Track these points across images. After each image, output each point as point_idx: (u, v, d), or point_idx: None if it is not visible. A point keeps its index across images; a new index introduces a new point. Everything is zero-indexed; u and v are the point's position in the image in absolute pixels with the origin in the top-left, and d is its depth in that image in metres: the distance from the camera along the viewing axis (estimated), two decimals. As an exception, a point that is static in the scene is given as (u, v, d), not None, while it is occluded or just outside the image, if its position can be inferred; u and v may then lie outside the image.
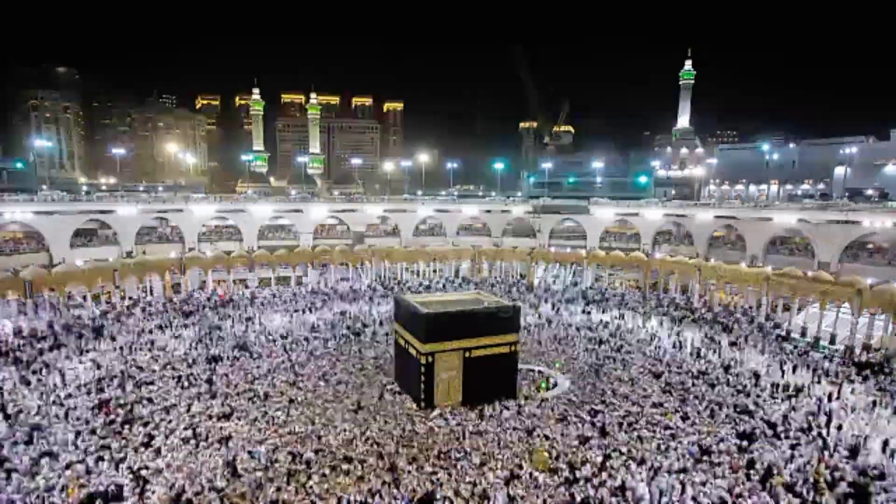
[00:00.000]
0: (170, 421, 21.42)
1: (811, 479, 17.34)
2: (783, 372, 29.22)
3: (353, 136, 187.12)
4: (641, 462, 18.62)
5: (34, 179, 71.70)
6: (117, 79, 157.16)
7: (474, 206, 64.97)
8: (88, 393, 24.08)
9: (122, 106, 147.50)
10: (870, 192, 66.18)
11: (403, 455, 19.16)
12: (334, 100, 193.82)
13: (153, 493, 16.27)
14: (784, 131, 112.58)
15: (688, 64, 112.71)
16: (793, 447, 19.75)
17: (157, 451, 18.90)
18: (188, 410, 22.58)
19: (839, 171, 73.64)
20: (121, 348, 31.06)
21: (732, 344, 34.87)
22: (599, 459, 18.72)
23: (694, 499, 16.38)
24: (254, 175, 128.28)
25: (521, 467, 18.39)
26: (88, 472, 17.25)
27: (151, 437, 19.94)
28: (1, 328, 33.56)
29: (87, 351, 30.64)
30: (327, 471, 17.86)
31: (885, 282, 36.24)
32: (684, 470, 18.09)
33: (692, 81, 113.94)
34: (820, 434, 21.19)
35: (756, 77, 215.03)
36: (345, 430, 21.16)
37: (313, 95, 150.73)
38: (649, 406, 24.08)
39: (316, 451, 19.22)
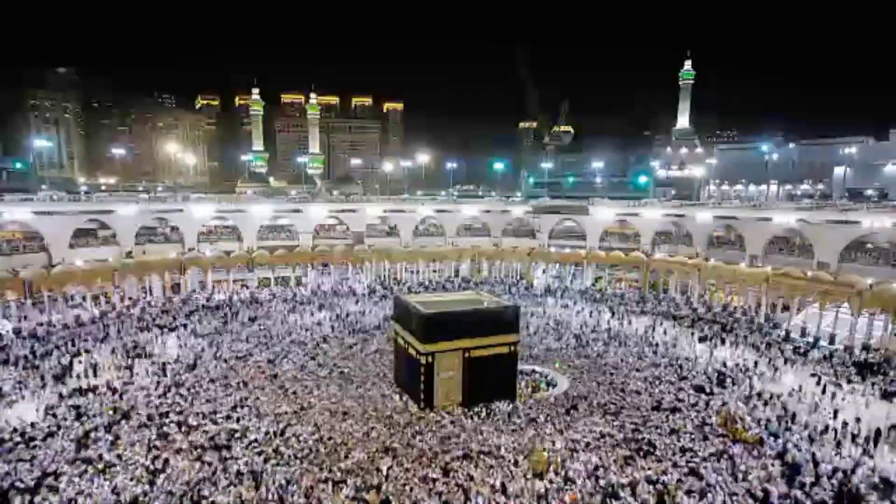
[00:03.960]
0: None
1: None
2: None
3: (353, 136, 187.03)
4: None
5: (34, 179, 71.67)
6: (117, 79, 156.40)
7: (474, 207, 64.89)
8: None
9: (121, 106, 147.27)
10: (870, 192, 66.10)
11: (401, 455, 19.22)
12: (334, 100, 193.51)
13: None
14: (783, 131, 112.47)
15: (687, 64, 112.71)
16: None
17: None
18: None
19: (839, 171, 73.56)
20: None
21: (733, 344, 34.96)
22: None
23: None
24: (254, 175, 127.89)
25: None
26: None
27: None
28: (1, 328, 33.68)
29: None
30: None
31: (886, 282, 36.22)
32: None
33: (692, 81, 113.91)
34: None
35: (756, 77, 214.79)
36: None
37: (313, 95, 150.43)
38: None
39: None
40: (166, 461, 18.27)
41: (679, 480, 17.45)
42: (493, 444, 20.27)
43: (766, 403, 24.63)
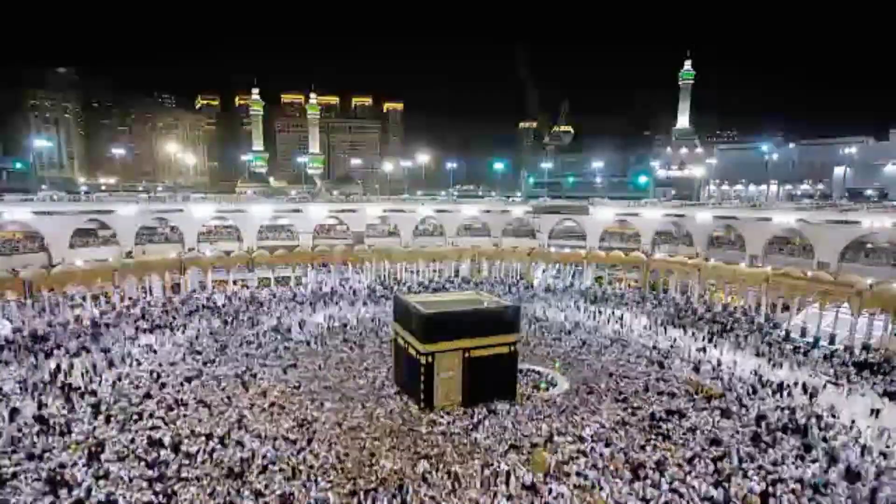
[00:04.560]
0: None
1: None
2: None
3: (353, 136, 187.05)
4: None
5: (34, 179, 71.74)
6: (117, 79, 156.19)
7: (474, 207, 64.85)
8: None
9: (121, 106, 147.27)
10: (870, 192, 66.13)
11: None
12: (334, 100, 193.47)
13: None
14: (783, 131, 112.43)
15: (687, 64, 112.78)
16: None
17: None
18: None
19: (839, 171, 73.57)
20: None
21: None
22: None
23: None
24: (254, 175, 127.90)
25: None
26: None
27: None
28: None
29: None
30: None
31: (886, 282, 36.21)
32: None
33: (692, 81, 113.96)
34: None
35: (756, 77, 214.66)
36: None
37: (313, 95, 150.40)
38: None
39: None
40: (174, 493, 16.57)
41: (703, 450, 19.81)
42: (545, 432, 21.31)
43: (697, 369, 30.20)
